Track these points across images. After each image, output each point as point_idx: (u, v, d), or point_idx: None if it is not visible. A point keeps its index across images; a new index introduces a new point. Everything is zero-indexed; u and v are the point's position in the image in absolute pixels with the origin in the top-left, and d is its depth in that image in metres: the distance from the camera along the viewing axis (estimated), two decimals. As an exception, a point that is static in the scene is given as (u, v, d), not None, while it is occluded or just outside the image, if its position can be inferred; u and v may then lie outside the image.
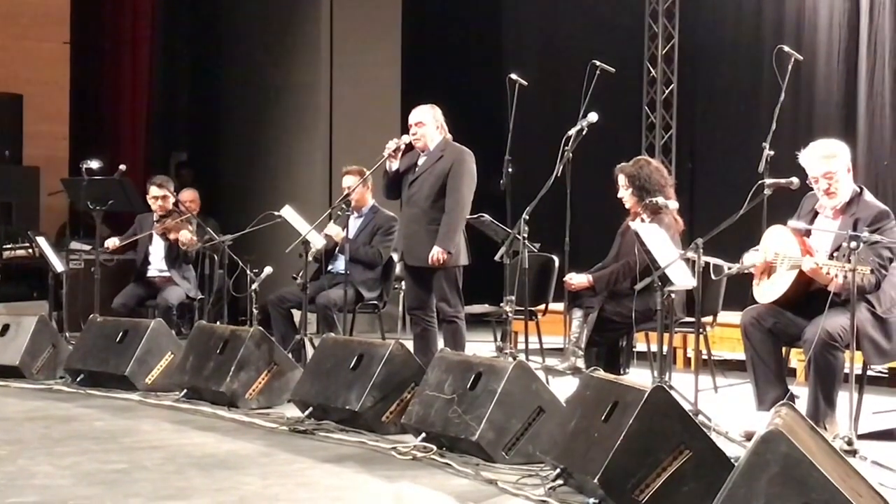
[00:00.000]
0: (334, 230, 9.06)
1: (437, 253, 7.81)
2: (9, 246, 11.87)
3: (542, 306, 9.13)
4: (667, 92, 13.31)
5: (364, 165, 9.15)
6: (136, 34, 14.44)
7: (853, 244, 5.88)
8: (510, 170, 8.45)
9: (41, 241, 10.58)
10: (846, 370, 6.21)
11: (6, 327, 9.02)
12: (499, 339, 8.78)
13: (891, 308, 6.37)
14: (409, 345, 7.46)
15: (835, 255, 6.30)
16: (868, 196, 6.57)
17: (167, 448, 6.29)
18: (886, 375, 8.12)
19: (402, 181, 8.16)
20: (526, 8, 14.32)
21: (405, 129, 8.28)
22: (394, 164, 8.10)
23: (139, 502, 5.01)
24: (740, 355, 7.06)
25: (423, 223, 8.00)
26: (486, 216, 8.61)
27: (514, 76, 8.54)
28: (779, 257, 6.51)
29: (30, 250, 11.42)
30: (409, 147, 8.11)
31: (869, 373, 6.67)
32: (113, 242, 10.20)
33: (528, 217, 7.61)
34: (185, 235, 9.88)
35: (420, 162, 8.10)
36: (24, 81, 13.06)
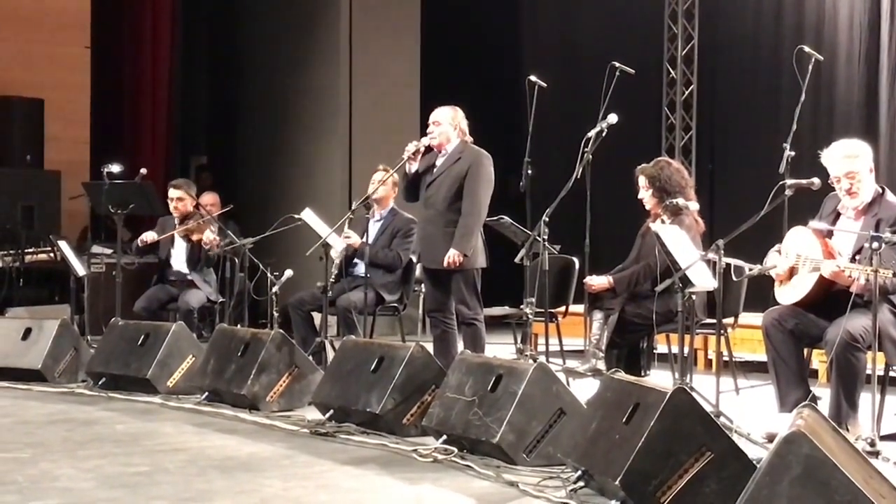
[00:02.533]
0: (352, 237, 9.06)
1: (452, 255, 7.81)
2: (31, 250, 11.92)
3: (563, 308, 9.12)
4: (686, 93, 13.31)
5: (388, 164, 9.14)
6: (157, 39, 14.50)
7: (875, 245, 5.87)
8: (530, 171, 8.43)
9: (63, 244, 10.60)
10: (868, 371, 6.20)
11: (28, 331, 9.03)
12: (519, 341, 8.76)
13: (913, 311, 6.36)
14: (430, 347, 7.44)
15: (857, 256, 6.29)
16: (890, 196, 6.55)
17: (189, 451, 6.31)
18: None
19: (420, 183, 8.17)
20: (545, 10, 14.33)
21: (425, 132, 8.28)
22: (413, 166, 8.11)
23: (162, 504, 5.02)
24: (762, 357, 7.03)
25: (440, 225, 8.00)
26: (506, 218, 8.59)
27: (533, 78, 8.52)
28: (800, 259, 6.49)
29: (51, 254, 11.46)
30: (429, 149, 8.12)
31: (891, 374, 6.63)
32: (151, 236, 10.19)
33: (547, 219, 7.61)
34: (208, 235, 9.90)
35: (438, 163, 8.10)
36: (45, 86, 13.11)
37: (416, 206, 8.44)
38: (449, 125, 8.09)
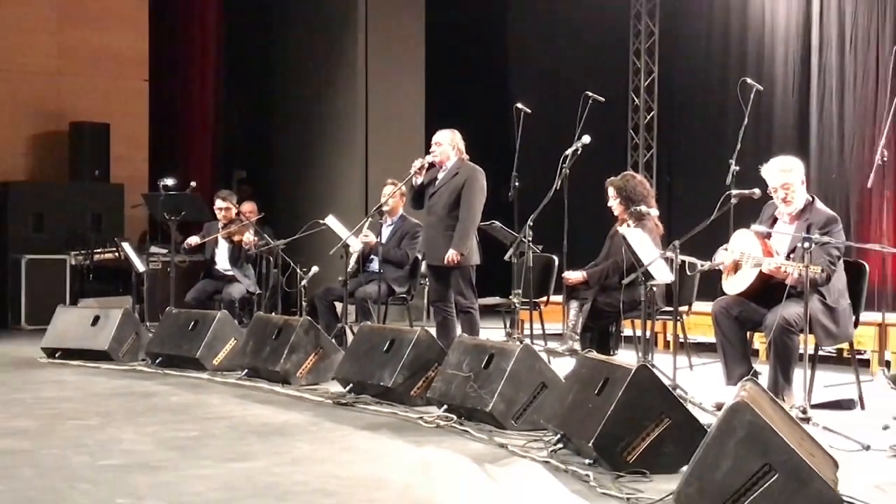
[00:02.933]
0: (370, 237, 9.10)
1: (451, 254, 7.83)
2: (99, 250, 11.97)
3: (545, 298, 9.10)
4: (648, 118, 13.33)
5: (397, 178, 9.22)
6: (204, 73, 14.53)
7: (806, 245, 5.90)
8: (517, 183, 8.44)
9: (125, 245, 10.64)
10: (801, 351, 6.20)
11: (97, 318, 9.03)
12: (508, 326, 8.77)
13: (838, 299, 6.37)
14: (433, 331, 7.44)
15: (791, 254, 6.32)
16: (819, 204, 6.56)
17: (231, 418, 6.31)
18: (835, 355, 8.08)
19: (424, 194, 8.19)
20: (530, 48, 14.35)
21: (428, 151, 8.30)
22: (418, 179, 8.13)
23: (209, 464, 5.02)
24: (711, 339, 7.03)
25: (441, 229, 8.02)
26: (497, 223, 8.61)
27: (519, 105, 8.52)
28: (744, 256, 6.50)
29: (116, 254, 11.50)
30: (431, 165, 8.15)
31: (820, 353, 6.64)
32: (195, 240, 10.25)
33: (532, 223, 7.62)
34: (248, 237, 9.94)
35: (439, 177, 8.12)
36: (110, 113, 13.17)
37: (421, 211, 8.45)
38: (448, 145, 8.11)
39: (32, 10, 12.95)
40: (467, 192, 7.95)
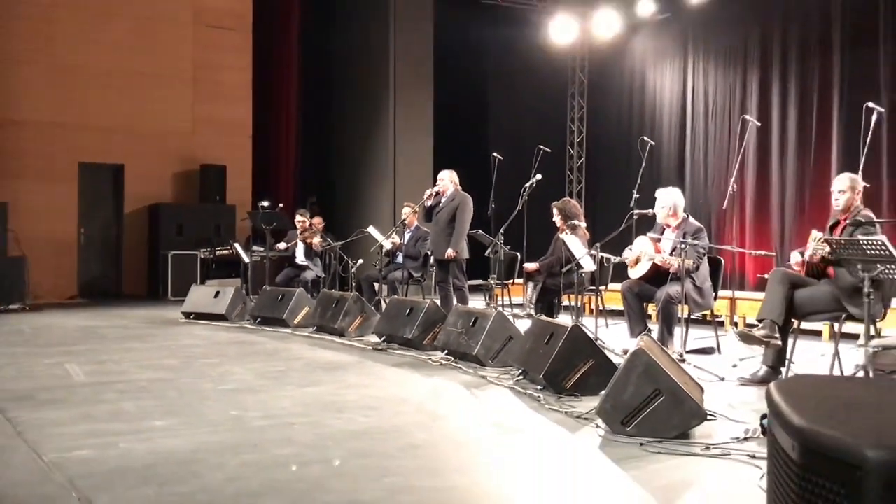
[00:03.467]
0: (396, 239, 9.11)
1: (450, 252, 7.85)
2: (219, 248, 11.96)
3: (511, 280, 9.09)
4: (579, 162, 13.33)
5: (413, 201, 9.24)
6: (288, 129, 14.49)
7: (683, 246, 5.91)
8: (493, 206, 8.47)
9: (236, 245, 10.65)
10: (679, 315, 6.22)
11: (217, 293, 9.03)
12: (487, 298, 8.76)
13: (704, 281, 6.37)
14: (438, 302, 7.44)
15: (673, 252, 6.32)
16: (692, 219, 6.56)
17: (306, 359, 6.31)
18: (701, 318, 8.09)
19: (432, 213, 8.23)
20: (501, 116, 14.33)
21: (435, 183, 8.31)
22: (428, 203, 8.16)
23: (291, 388, 5.03)
24: (620, 307, 7.03)
25: (443, 235, 8.02)
26: (480, 231, 8.60)
27: (495, 154, 8.55)
28: (642, 253, 6.50)
29: (230, 251, 11.47)
30: (437, 193, 8.17)
31: (692, 317, 6.65)
32: (283, 245, 10.22)
33: (503, 232, 7.64)
34: (316, 240, 9.92)
35: (441, 202, 8.14)
36: (226, 158, 13.18)
37: (429, 224, 8.47)
38: (448, 180, 8.14)
39: (175, 91, 12.98)
40: (460, 212, 7.97)
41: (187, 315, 9.01)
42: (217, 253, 11.89)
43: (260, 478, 3.12)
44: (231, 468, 3.24)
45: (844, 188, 5.15)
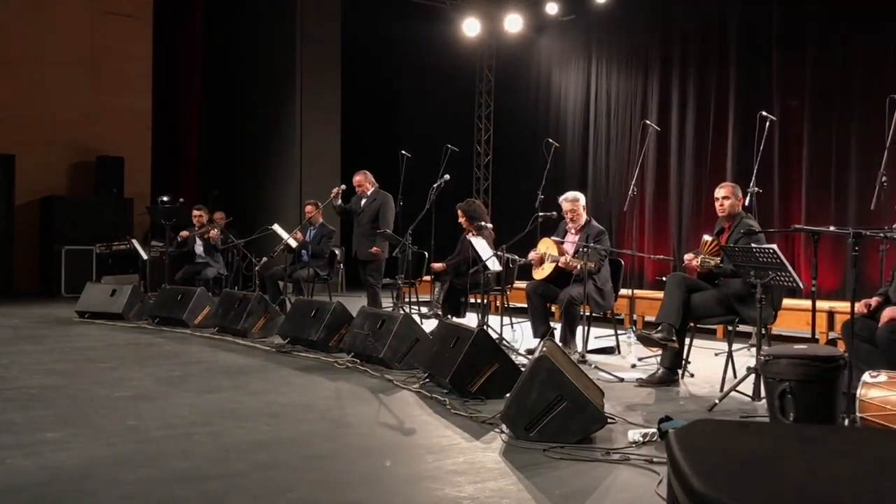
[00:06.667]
0: (300, 235, 8.97)
1: (374, 249, 8.15)
2: (115, 243, 11.54)
3: (419, 279, 9.11)
4: (486, 161, 13.42)
5: (319, 198, 9.17)
6: (189, 122, 14.23)
7: (585, 249, 6.01)
8: (401, 204, 8.45)
9: (134, 241, 10.33)
10: (581, 315, 6.33)
11: (114, 291, 8.74)
12: (394, 297, 8.73)
13: (605, 282, 6.51)
14: (345, 302, 7.37)
15: (576, 254, 6.43)
16: (594, 222, 6.71)
17: (207, 362, 6.16)
18: (601, 317, 8.27)
19: (353, 214, 8.38)
20: (409, 113, 14.29)
21: (343, 180, 8.29)
22: (337, 201, 8.19)
23: (191, 395, 4.89)
24: (524, 306, 7.12)
25: (367, 236, 8.20)
26: (388, 231, 8.56)
27: (404, 152, 8.51)
28: (546, 255, 6.59)
29: (127, 246, 11.09)
30: (346, 191, 8.19)
31: (593, 316, 6.78)
32: (185, 233, 9.83)
33: (411, 232, 7.61)
34: (214, 233, 9.66)
35: (363, 202, 8.30)
36: (124, 149, 12.75)
37: (347, 222, 8.50)
38: (367, 182, 8.38)
39: (70, 79, 12.42)
40: (382, 211, 8.18)
41: (82, 314, 8.66)
42: (114, 248, 11.48)
43: (157, 494, 3.01)
44: (127, 484, 3.12)
45: (728, 194, 5.41)
